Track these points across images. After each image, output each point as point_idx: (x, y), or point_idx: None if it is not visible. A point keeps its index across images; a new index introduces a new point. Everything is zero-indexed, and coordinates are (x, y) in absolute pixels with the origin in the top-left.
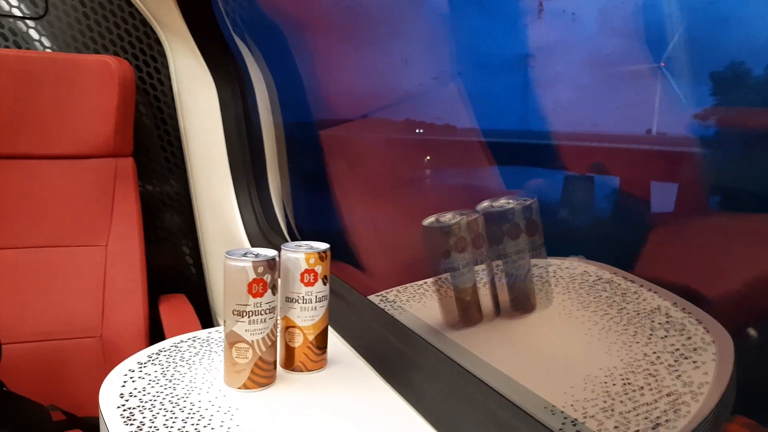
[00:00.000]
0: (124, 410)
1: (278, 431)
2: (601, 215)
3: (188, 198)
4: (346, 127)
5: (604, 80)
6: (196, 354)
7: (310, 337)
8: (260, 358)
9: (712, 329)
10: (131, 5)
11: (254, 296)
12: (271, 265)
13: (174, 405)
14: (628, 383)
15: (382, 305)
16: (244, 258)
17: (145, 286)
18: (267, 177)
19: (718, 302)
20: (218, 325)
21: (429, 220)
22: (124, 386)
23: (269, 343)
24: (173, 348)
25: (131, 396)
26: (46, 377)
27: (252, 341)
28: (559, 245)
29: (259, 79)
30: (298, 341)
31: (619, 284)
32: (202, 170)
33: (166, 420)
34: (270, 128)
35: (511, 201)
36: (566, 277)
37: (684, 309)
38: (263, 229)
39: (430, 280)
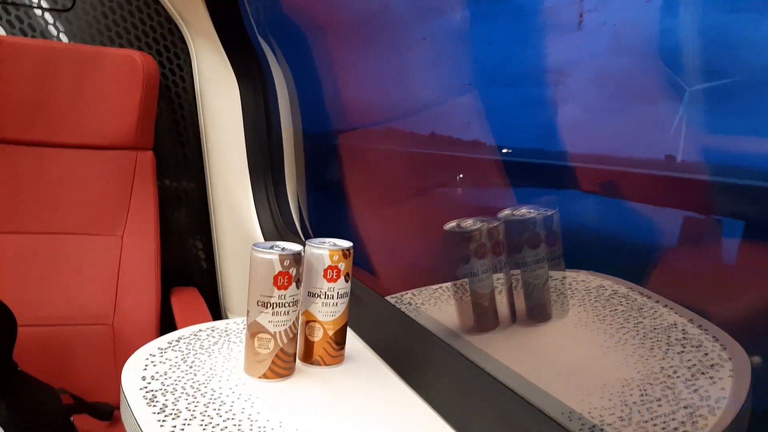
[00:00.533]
0: (147, 392)
1: (297, 421)
2: None
3: (204, 194)
4: (365, 134)
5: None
6: (215, 343)
7: (330, 332)
8: (281, 350)
9: (729, 347)
10: (157, 2)
11: (279, 288)
12: (297, 259)
13: (195, 390)
14: (646, 394)
15: (397, 306)
16: (270, 251)
17: (158, 277)
18: (284, 178)
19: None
20: (228, 319)
21: (450, 225)
22: (146, 369)
23: (291, 335)
24: (192, 336)
25: (153, 379)
26: (56, 361)
27: (274, 332)
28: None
29: (281, 81)
30: (318, 335)
31: (636, 299)
32: (219, 168)
33: (188, 404)
34: (289, 130)
35: (532, 210)
36: (582, 289)
37: (701, 326)
38: (279, 228)
39: (445, 285)
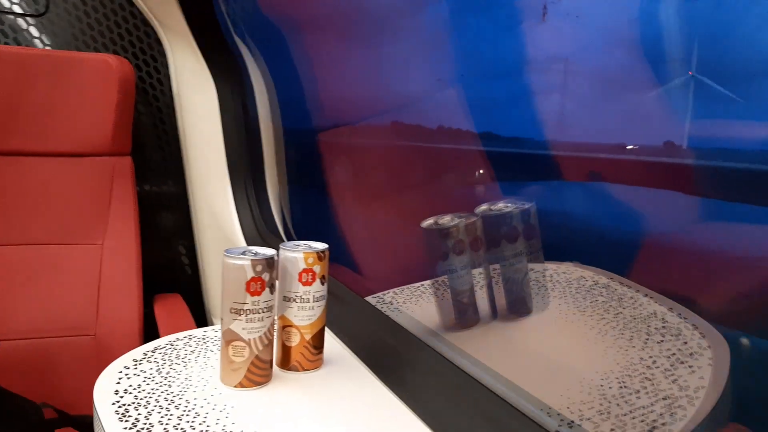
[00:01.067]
0: (119, 407)
1: (274, 430)
2: None
3: (185, 198)
4: (345, 131)
5: None
6: (192, 352)
7: (307, 337)
8: (257, 357)
9: (708, 335)
10: (132, 4)
11: (252, 294)
12: (270, 263)
13: (169, 402)
14: (625, 386)
15: (378, 307)
16: (242, 256)
17: (141, 285)
18: (265, 178)
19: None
20: (213, 325)
21: (427, 222)
22: (119, 383)
23: (266, 341)
24: (169, 346)
25: (126, 393)
26: (39, 375)
27: (249, 339)
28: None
29: (259, 80)
30: (294, 341)
31: (616, 289)
32: (199, 170)
33: (161, 417)
34: (269, 130)
35: (509, 205)
36: (562, 281)
37: (680, 314)
38: (260, 230)
39: (427, 282)
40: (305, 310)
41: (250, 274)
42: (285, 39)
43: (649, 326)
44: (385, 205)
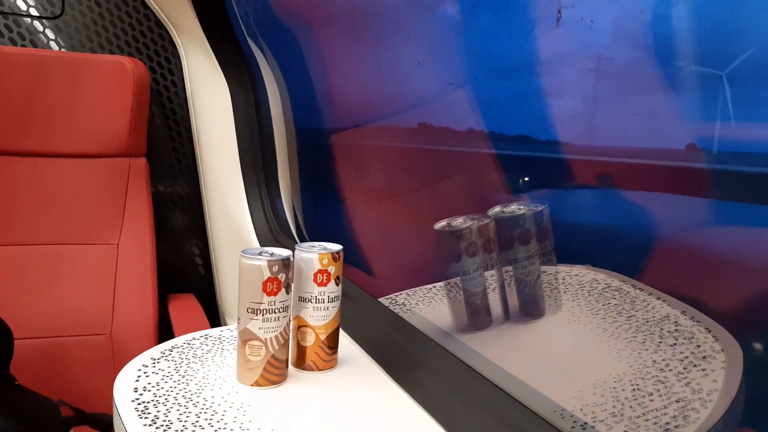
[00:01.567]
0: (138, 404)
1: (291, 429)
2: None
3: (198, 199)
4: (357, 132)
5: None
6: (209, 351)
7: (322, 337)
8: (273, 356)
9: (722, 338)
10: (146, 7)
11: (268, 294)
12: (286, 264)
13: (187, 400)
14: (638, 389)
15: (391, 308)
16: (259, 257)
17: (155, 285)
18: (278, 179)
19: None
20: (226, 325)
21: (440, 224)
22: (138, 381)
23: (282, 341)
24: (186, 345)
25: (145, 390)
26: (55, 373)
27: (265, 339)
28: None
29: (271, 81)
30: (309, 340)
31: (628, 292)
32: (213, 171)
33: (180, 415)
34: (282, 131)
35: (522, 207)
36: (575, 284)
37: (693, 318)
38: (273, 231)
39: (439, 284)
40: (320, 310)
41: (267, 274)
42: (297, 40)
43: (662, 329)
44: (399, 207)
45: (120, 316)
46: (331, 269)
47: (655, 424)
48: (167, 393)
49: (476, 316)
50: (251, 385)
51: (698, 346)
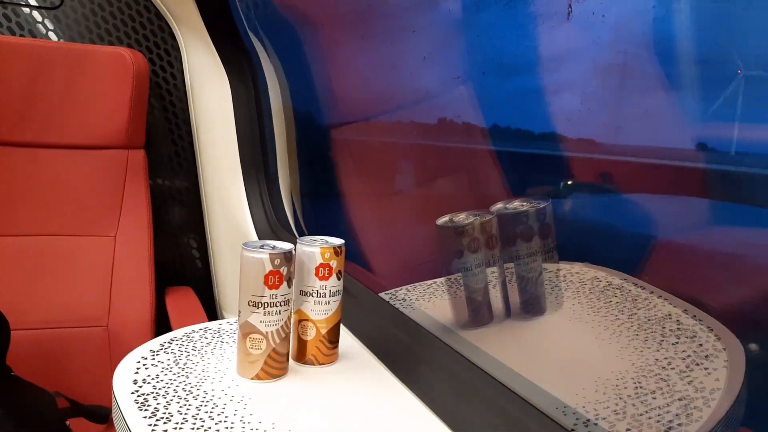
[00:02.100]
0: (138, 396)
1: (291, 422)
2: None
3: (197, 192)
4: (358, 128)
5: None
6: (208, 344)
7: (323, 331)
8: (274, 350)
9: (724, 337)
10: None
11: (270, 288)
12: (288, 257)
13: (187, 393)
14: (640, 387)
15: (391, 303)
16: (261, 250)
17: (153, 277)
18: (277, 173)
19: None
20: (223, 319)
21: (443, 220)
22: (137, 372)
23: (283, 335)
24: (185, 338)
25: (145, 382)
26: (51, 364)
27: (266, 332)
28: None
29: (272, 75)
30: (310, 335)
31: (630, 290)
32: (212, 165)
33: (180, 407)
34: (281, 125)
35: (524, 203)
36: (576, 281)
37: (695, 316)
38: (272, 225)
39: (439, 280)
40: (321, 304)
41: (269, 267)
42: (298, 34)
43: (663, 328)
44: (400, 203)
45: (117, 309)
46: (333, 263)
47: (658, 422)
48: (167, 385)
49: (477, 313)
50: (252, 379)
51: (700, 344)
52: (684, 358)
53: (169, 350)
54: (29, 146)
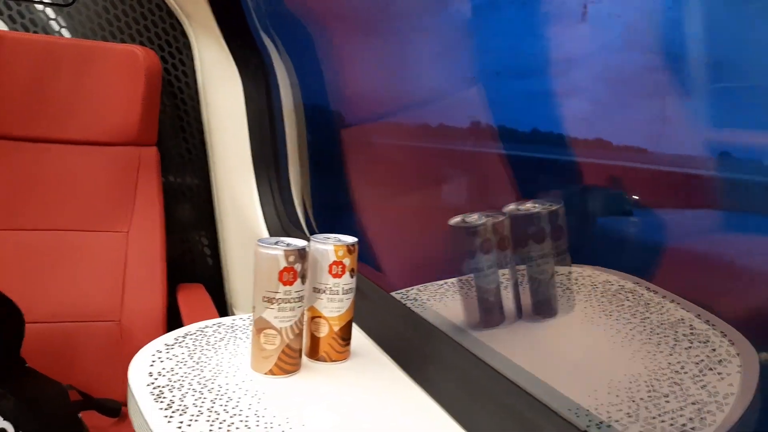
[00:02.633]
0: (154, 388)
1: (304, 417)
2: None
3: (208, 189)
4: (368, 128)
5: None
6: (222, 339)
7: (336, 328)
8: (287, 346)
9: (737, 342)
10: None
11: (284, 284)
12: (302, 254)
13: (202, 386)
14: (653, 390)
15: (402, 302)
16: (275, 246)
17: (165, 274)
18: (288, 172)
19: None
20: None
21: (455, 220)
22: (152, 365)
23: (296, 331)
24: (199, 332)
25: (160, 375)
26: (64, 358)
27: (280, 328)
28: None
29: (283, 74)
30: (323, 331)
31: (642, 294)
32: (223, 163)
33: (195, 400)
34: (293, 124)
35: (537, 205)
36: (588, 284)
37: (708, 321)
38: (283, 223)
39: (451, 280)
40: (334, 301)
41: (283, 264)
42: (309, 33)
43: (676, 332)
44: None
45: (129, 304)
46: (346, 261)
47: (672, 425)
48: (182, 378)
49: (489, 314)
50: (265, 374)
51: (714, 349)
52: (697, 363)
53: (183, 344)
54: (42, 141)
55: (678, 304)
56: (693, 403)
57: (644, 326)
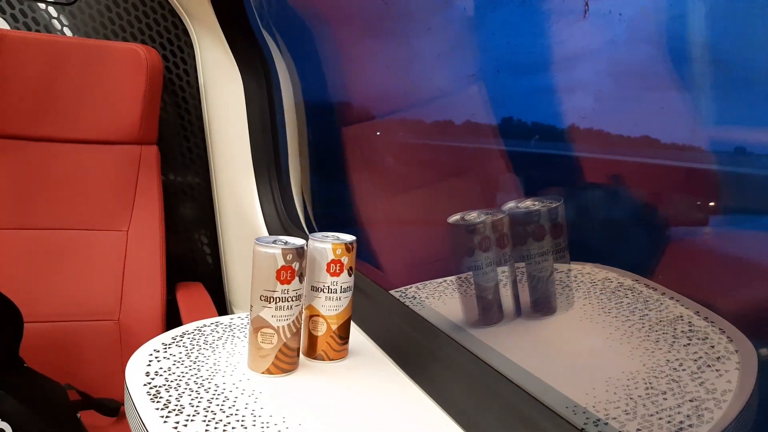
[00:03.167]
0: (150, 388)
1: (301, 416)
2: None
3: (208, 188)
4: (369, 126)
5: None
6: (219, 338)
7: (334, 327)
8: (285, 345)
9: (736, 339)
10: None
11: (282, 283)
12: (300, 253)
13: (199, 386)
14: (651, 387)
15: (401, 301)
16: (273, 245)
17: (164, 272)
18: (288, 171)
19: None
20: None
21: (454, 218)
22: (149, 365)
23: (294, 330)
24: (196, 331)
25: (157, 375)
26: (62, 357)
27: (277, 327)
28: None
29: (284, 73)
30: (321, 330)
31: (641, 291)
32: (224, 161)
33: (192, 399)
34: (293, 123)
35: (536, 203)
36: (587, 281)
37: (707, 318)
38: (283, 222)
39: (450, 278)
40: (332, 300)
41: (281, 262)
42: (311, 31)
43: (675, 329)
44: (410, 202)
45: (128, 303)
46: (345, 259)
47: (669, 422)
48: (179, 378)
49: (488, 311)
50: (262, 373)
51: (712, 346)
52: (695, 360)
53: (180, 344)
54: (44, 140)
55: (677, 301)
56: (691, 400)
57: (643, 323)
